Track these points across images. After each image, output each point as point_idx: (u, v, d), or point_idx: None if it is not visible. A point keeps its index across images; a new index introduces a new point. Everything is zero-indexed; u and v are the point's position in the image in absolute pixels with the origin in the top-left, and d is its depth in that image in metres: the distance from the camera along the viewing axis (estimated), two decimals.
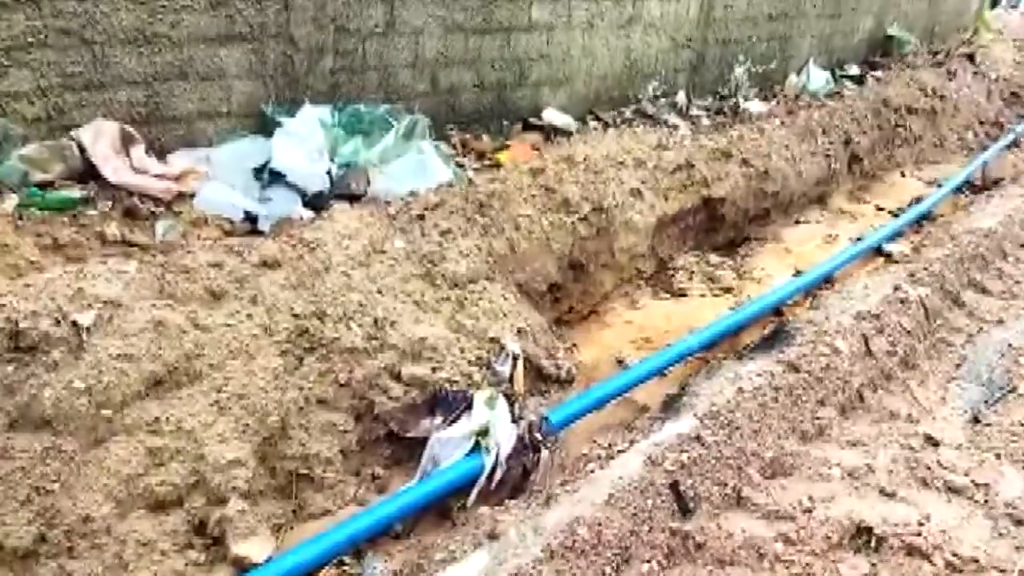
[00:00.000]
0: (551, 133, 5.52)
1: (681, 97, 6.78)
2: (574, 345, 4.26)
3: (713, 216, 5.42)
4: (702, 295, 4.81)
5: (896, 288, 3.40)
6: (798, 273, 5.18)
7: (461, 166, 4.75)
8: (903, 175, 7.88)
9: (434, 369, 3.13)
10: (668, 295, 4.83)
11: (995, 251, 4.14)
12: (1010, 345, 3.28)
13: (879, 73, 9.08)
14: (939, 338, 3.29)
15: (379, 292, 3.27)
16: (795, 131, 6.28)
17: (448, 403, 3.03)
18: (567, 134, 5.58)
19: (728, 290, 4.90)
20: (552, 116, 5.53)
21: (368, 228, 3.44)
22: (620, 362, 4.17)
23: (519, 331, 3.66)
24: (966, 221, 4.66)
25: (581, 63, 5.79)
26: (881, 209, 6.85)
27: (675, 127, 6.33)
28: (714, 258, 5.23)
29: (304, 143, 3.90)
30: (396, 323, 3.20)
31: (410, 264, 3.44)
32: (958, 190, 7.41)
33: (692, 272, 5.01)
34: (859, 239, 5.81)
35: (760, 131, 5.78)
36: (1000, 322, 3.56)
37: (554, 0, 5.36)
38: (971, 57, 9.95)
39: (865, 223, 6.51)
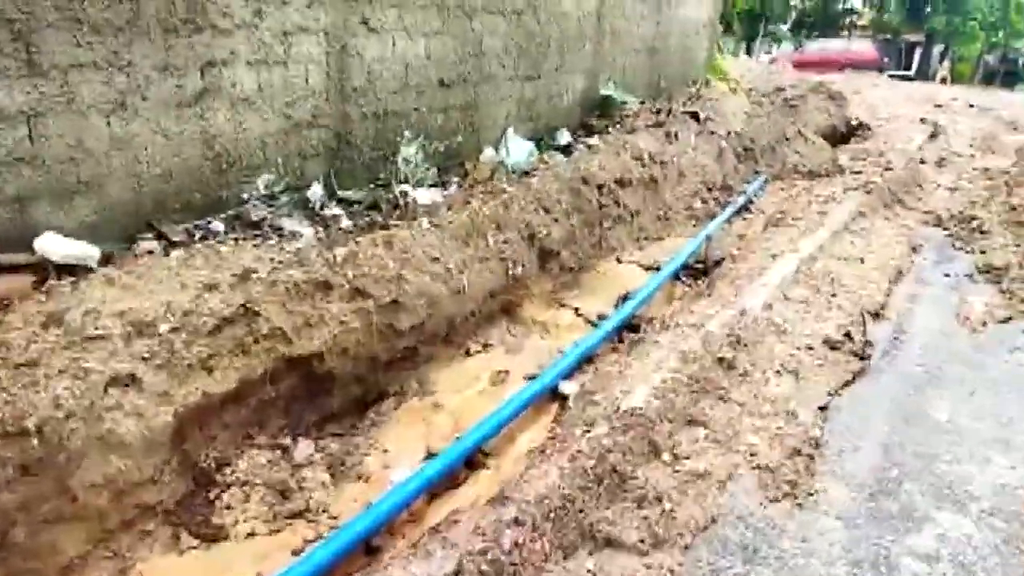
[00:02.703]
0: (51, 272, 3.59)
1: (316, 191, 5.12)
2: None
3: (311, 379, 3.73)
4: (252, 533, 3.05)
5: None
6: (430, 456, 3.61)
7: None
8: (619, 260, 6.74)
9: None
10: (199, 539, 3.02)
11: (638, 449, 2.73)
12: None
13: (594, 140, 8.03)
14: None
15: None
16: (454, 233, 4.80)
17: None
18: (86, 270, 3.68)
19: (302, 513, 3.18)
20: (50, 245, 3.61)
21: None
22: None
23: None
24: (614, 387, 3.25)
25: (113, 160, 3.95)
26: (581, 314, 5.57)
27: (293, 235, 4.63)
28: (303, 450, 3.50)
29: None
30: None
31: None
32: (675, 276, 6.36)
33: (252, 486, 3.24)
34: (533, 377, 4.36)
35: (387, 244, 4.20)
36: None
37: (32, 75, 3.49)
38: (695, 115, 9.25)
39: (561, 337, 5.15)
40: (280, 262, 4.04)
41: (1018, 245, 5.59)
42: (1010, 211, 6.54)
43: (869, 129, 11.18)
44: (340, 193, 5.34)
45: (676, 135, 8.55)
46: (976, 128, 11.61)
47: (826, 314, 4.15)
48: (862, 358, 3.76)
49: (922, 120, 11.57)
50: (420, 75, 5.93)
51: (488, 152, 6.92)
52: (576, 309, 5.64)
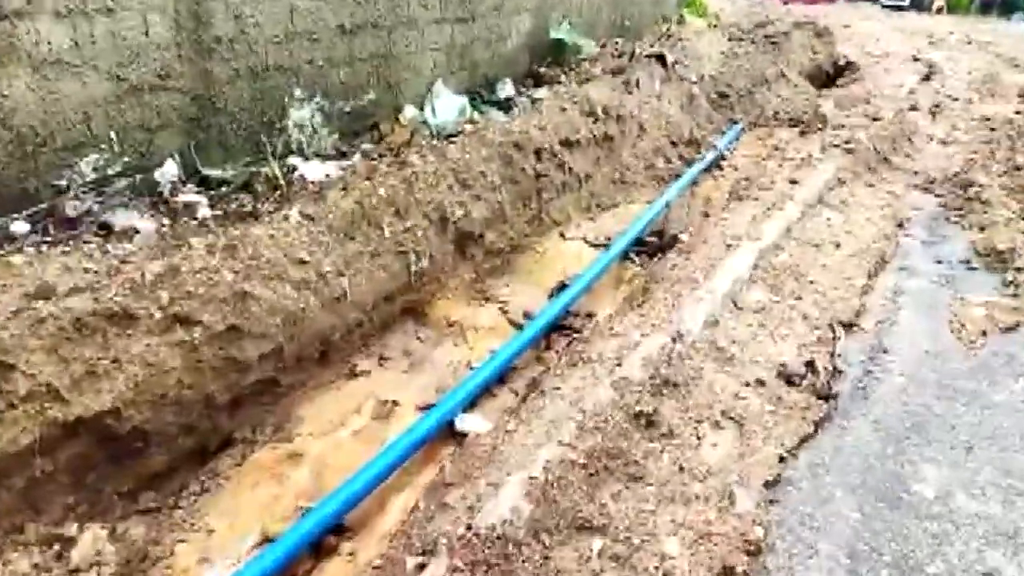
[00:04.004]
0: None
1: (169, 170, 4.17)
2: None
3: (110, 440, 2.86)
4: None
5: None
6: (266, 543, 2.77)
7: None
8: (564, 236, 5.82)
9: None
10: None
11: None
12: None
13: (542, 91, 7.01)
14: None
15: None
16: (333, 224, 3.87)
17: None
18: None
19: None
20: None
21: None
22: None
23: None
24: (479, 477, 2.37)
25: None
26: (507, 311, 4.69)
27: (125, 233, 3.70)
28: (86, 544, 2.65)
29: None
30: None
31: None
32: (625, 255, 5.47)
33: None
34: (428, 407, 3.51)
35: (228, 250, 3.27)
36: None
37: None
38: (661, 58, 8.19)
39: (479, 344, 4.29)
40: (95, 274, 3.13)
41: None
42: (1014, 172, 5.63)
43: (858, 69, 10.13)
44: (205, 171, 4.38)
45: (638, 83, 7.53)
46: (974, 67, 10.56)
47: (786, 329, 3.28)
48: (827, 398, 2.92)
49: (915, 58, 10.51)
50: (312, 19, 4.89)
51: (409, 111, 5.92)
52: (502, 304, 4.75)
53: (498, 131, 5.36)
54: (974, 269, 4.24)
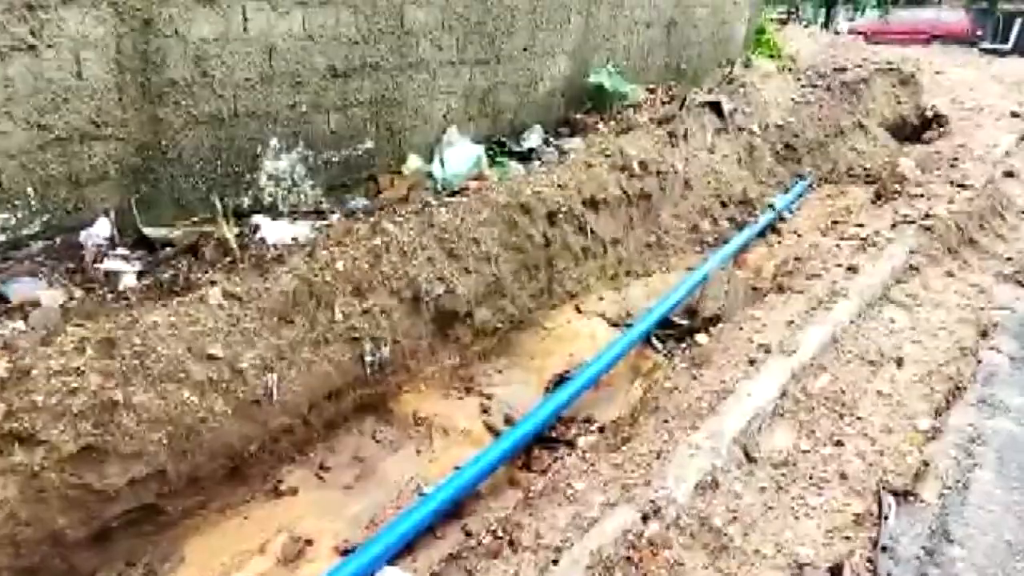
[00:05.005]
0: None
1: (100, 231, 3.64)
2: None
3: None
4: None
5: None
6: None
7: None
8: (579, 309, 5.06)
9: None
10: None
11: None
12: None
13: (575, 141, 6.30)
14: None
15: None
16: (268, 306, 3.22)
17: None
18: None
19: None
20: None
21: None
22: None
23: None
24: None
25: None
26: (489, 409, 3.94)
27: (20, 309, 3.15)
28: None
29: None
30: None
31: None
32: (645, 339, 4.65)
33: None
34: (348, 551, 2.80)
35: (104, 344, 2.66)
36: None
37: None
38: (717, 106, 7.36)
39: (447, 452, 3.56)
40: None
41: None
42: None
43: (947, 123, 9.03)
44: (147, 231, 3.81)
45: (686, 134, 6.72)
46: None
47: (814, 497, 2.42)
48: None
49: (1014, 113, 9.30)
50: (296, 61, 4.33)
51: (414, 161, 5.29)
52: (486, 399, 4.01)
53: (503, 190, 4.66)
54: None
